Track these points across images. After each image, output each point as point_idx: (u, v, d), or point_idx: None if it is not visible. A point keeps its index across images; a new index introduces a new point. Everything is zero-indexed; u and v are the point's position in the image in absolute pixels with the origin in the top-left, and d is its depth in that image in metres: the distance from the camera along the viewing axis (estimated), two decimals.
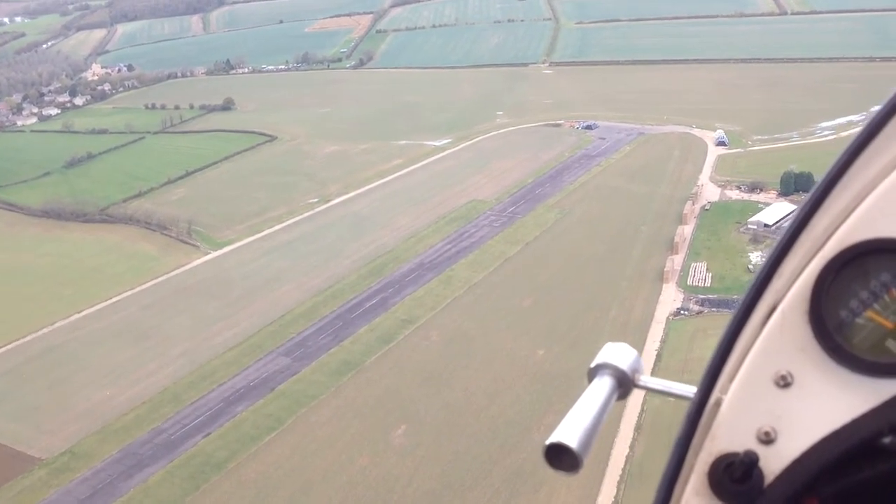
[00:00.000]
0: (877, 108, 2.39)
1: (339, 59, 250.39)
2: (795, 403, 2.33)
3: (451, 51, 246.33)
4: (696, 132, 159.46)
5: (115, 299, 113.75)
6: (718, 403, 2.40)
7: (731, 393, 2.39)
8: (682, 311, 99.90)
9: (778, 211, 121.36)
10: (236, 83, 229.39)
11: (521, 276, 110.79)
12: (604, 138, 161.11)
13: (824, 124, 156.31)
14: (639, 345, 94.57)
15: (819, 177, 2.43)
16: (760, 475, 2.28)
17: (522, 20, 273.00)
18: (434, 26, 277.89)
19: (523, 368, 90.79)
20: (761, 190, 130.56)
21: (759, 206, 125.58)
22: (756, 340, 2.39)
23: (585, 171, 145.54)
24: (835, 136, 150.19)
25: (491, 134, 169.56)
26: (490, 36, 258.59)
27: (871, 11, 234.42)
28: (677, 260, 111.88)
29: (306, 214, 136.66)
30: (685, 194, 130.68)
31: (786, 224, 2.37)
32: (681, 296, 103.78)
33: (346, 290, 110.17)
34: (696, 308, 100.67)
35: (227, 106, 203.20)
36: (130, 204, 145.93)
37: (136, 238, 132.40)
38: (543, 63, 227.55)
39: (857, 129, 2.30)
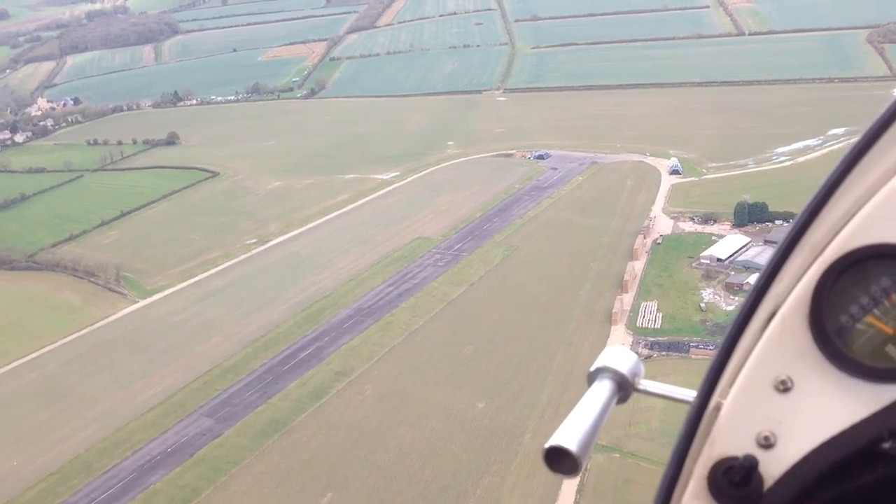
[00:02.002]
0: (878, 112, 2.38)
1: (291, 89, 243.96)
2: (795, 408, 2.33)
3: (404, 78, 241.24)
4: (650, 160, 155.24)
5: (32, 356, 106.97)
6: (718, 408, 2.41)
7: (731, 397, 2.40)
8: None
9: (731, 244, 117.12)
10: (183, 116, 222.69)
11: (464, 321, 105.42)
12: (556, 168, 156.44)
13: (780, 150, 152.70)
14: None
15: (818, 182, 2.42)
16: (760, 480, 2.28)
17: (478, 45, 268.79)
18: (388, 53, 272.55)
19: (461, 424, 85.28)
20: (715, 221, 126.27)
21: (713, 238, 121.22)
22: (756, 345, 2.40)
23: (535, 203, 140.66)
24: (791, 162, 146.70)
25: (441, 166, 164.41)
26: (445, 62, 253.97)
27: (828, 30, 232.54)
28: (627, 299, 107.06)
29: (242, 257, 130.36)
30: (637, 227, 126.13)
31: (786, 229, 2.43)
32: (630, 339, 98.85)
33: (279, 340, 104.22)
34: (646, 353, 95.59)
35: (170, 140, 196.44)
36: (60, 249, 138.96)
37: (62, 287, 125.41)
38: (497, 90, 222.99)
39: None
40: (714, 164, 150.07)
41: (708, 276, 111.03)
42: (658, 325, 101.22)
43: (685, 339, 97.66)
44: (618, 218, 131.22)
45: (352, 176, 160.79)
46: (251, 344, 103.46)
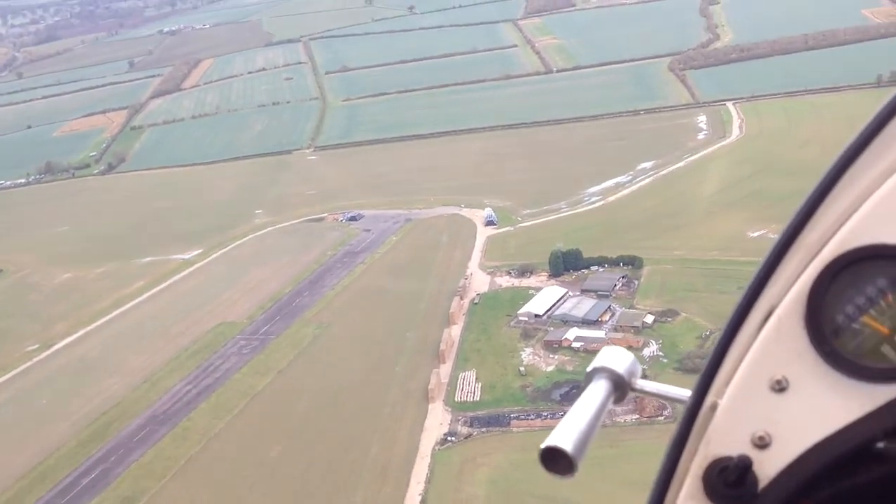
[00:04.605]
0: (877, 108, 2.37)
1: (88, 165, 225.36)
2: (790, 408, 2.34)
3: (210, 143, 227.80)
4: (465, 212, 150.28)
5: None
6: (714, 407, 2.42)
7: (727, 397, 2.41)
8: (449, 438, 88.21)
9: (548, 297, 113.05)
10: None
11: (271, 417, 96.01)
12: (369, 230, 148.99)
13: (592, 189, 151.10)
14: (401, 490, 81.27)
15: (812, 181, 2.42)
16: (755, 480, 2.30)
17: (289, 102, 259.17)
18: (194, 117, 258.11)
19: None
20: (531, 273, 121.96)
21: (530, 291, 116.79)
22: (752, 345, 2.42)
23: (348, 271, 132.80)
24: (603, 202, 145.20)
25: (248, 238, 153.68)
26: (254, 122, 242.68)
27: (632, 61, 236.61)
28: (445, 370, 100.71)
29: (21, 368, 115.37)
30: (453, 288, 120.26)
31: (781, 229, 2.45)
32: (448, 416, 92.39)
33: (58, 467, 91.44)
34: (465, 431, 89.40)
35: None
36: None
37: None
38: (308, 148, 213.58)
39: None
40: (528, 211, 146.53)
41: (526, 334, 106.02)
42: (478, 398, 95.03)
43: (506, 410, 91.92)
44: (434, 279, 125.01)
45: (150, 259, 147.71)
46: (24, 476, 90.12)
